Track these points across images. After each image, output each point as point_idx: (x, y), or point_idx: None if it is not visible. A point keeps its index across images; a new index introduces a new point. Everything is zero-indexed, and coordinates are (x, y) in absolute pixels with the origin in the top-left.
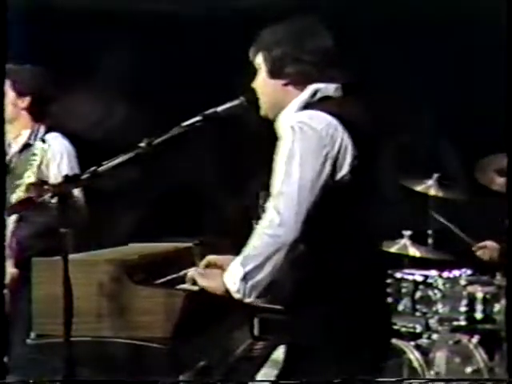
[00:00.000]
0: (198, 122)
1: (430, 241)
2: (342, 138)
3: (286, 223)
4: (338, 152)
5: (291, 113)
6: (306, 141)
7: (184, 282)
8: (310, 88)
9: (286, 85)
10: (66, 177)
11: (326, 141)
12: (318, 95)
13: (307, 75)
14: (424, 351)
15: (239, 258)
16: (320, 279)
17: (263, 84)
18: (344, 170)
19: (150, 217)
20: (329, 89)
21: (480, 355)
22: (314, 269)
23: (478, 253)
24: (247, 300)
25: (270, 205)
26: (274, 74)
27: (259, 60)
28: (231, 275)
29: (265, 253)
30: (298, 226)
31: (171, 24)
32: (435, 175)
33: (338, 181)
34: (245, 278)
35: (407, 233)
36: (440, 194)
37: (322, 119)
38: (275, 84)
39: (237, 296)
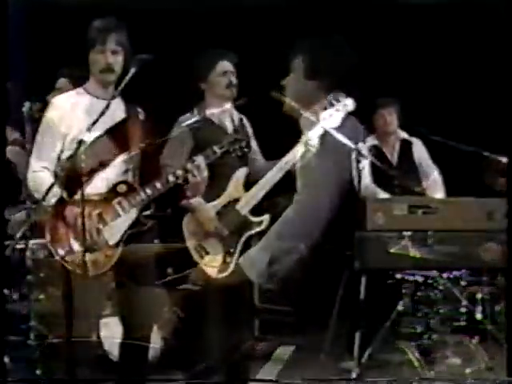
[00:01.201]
0: (197, 122)
1: (430, 241)
2: (356, 147)
3: (308, 224)
4: (353, 160)
5: (310, 123)
6: (328, 152)
7: (185, 282)
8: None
9: (316, 86)
10: (67, 177)
11: (344, 151)
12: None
13: (333, 83)
14: (425, 351)
15: (260, 245)
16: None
17: (296, 81)
18: (356, 176)
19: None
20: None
21: (480, 355)
22: (326, 270)
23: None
24: (267, 286)
25: (293, 205)
26: (309, 75)
27: (296, 62)
28: (254, 261)
29: (290, 241)
30: (319, 228)
31: (173, 20)
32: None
33: (352, 186)
34: (271, 262)
35: (407, 233)
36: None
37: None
38: (308, 83)
39: (258, 280)
